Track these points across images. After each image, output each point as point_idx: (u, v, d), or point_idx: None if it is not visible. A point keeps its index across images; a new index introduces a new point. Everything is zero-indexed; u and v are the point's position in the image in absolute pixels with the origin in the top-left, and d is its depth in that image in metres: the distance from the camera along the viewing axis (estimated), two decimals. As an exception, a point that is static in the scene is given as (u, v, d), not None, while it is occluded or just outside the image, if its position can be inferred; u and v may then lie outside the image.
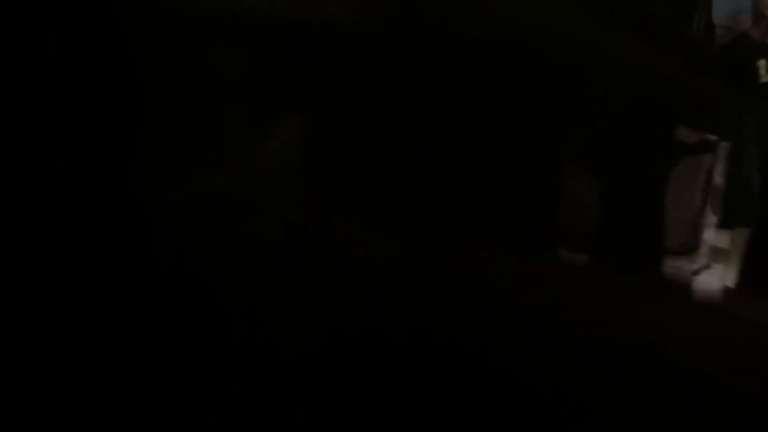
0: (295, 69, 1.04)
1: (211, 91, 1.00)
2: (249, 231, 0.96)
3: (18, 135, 0.89)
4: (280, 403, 0.91)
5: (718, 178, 2.05)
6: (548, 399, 0.78)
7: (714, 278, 2.02)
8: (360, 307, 0.92)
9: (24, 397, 0.86)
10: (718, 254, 2.06)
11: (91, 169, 0.92)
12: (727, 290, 1.94)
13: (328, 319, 0.93)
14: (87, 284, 0.91)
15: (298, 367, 0.91)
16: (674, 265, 1.83)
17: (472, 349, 0.90)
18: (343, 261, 0.95)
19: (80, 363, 0.89)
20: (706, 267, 2.04)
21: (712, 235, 2.06)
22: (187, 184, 0.96)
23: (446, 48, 1.07)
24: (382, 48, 1.06)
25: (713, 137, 1.85)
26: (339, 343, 0.92)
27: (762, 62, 2.12)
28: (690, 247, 1.99)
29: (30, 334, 0.89)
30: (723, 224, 2.06)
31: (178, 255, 0.94)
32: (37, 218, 0.90)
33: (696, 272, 1.99)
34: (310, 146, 1.09)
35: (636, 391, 0.77)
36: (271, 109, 1.06)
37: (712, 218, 2.07)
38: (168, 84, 0.97)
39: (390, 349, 0.90)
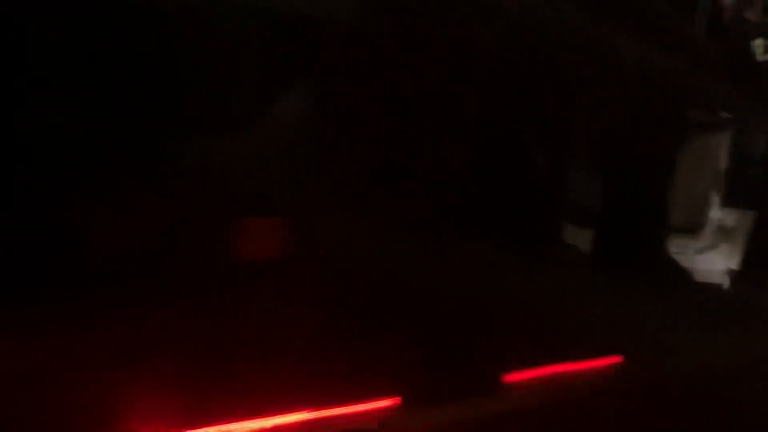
0: (304, 48, 1.04)
1: (220, 58, 1.00)
2: (254, 195, 0.97)
3: (25, 94, 0.90)
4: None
5: (726, 158, 2.05)
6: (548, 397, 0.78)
7: (720, 258, 2.02)
8: (354, 298, 0.93)
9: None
10: (724, 233, 2.07)
11: (103, 128, 0.93)
12: (731, 272, 1.95)
13: (321, 305, 0.94)
14: (92, 238, 0.92)
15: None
16: (681, 244, 1.83)
17: (471, 346, 0.90)
18: (339, 251, 0.96)
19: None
20: (713, 246, 2.04)
21: (719, 215, 2.07)
22: (197, 146, 0.96)
23: (450, 43, 1.07)
24: (386, 39, 1.06)
25: (722, 117, 1.85)
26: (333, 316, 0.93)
27: (759, 41, 2.13)
28: (697, 225, 1.99)
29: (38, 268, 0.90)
30: (729, 204, 2.06)
31: (185, 214, 0.95)
32: (45, 180, 0.90)
33: (702, 251, 1.99)
34: (313, 127, 1.09)
35: (636, 388, 0.77)
36: (278, 86, 1.07)
37: (718, 198, 2.07)
38: (179, 47, 0.97)
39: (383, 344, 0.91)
